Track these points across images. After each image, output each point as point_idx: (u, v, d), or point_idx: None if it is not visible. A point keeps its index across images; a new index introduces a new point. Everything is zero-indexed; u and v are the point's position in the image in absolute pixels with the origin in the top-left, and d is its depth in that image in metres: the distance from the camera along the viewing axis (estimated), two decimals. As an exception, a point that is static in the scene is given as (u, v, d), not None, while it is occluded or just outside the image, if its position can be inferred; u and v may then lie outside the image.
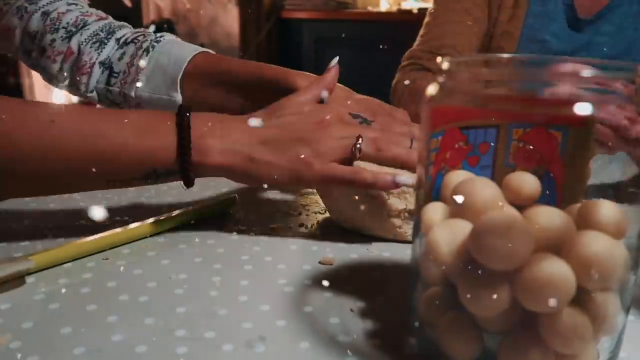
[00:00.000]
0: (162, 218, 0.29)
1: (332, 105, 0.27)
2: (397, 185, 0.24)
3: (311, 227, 0.31)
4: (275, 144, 0.25)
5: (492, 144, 0.19)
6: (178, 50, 0.32)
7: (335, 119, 0.26)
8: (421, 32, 0.57)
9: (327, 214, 0.32)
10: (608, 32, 0.50)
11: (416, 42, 0.58)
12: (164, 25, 1.74)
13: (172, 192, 0.36)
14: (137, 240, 0.28)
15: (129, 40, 0.34)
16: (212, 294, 0.23)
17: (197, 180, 0.27)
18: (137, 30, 0.35)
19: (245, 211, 0.33)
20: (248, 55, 1.72)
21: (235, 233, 0.30)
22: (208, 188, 0.36)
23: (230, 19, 1.79)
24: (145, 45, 0.32)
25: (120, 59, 0.33)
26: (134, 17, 1.78)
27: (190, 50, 0.32)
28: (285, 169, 0.25)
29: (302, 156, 0.24)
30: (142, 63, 0.32)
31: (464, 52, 0.53)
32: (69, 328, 0.20)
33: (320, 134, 0.25)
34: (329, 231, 0.30)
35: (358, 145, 0.24)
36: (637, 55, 0.50)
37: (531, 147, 0.19)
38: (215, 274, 0.25)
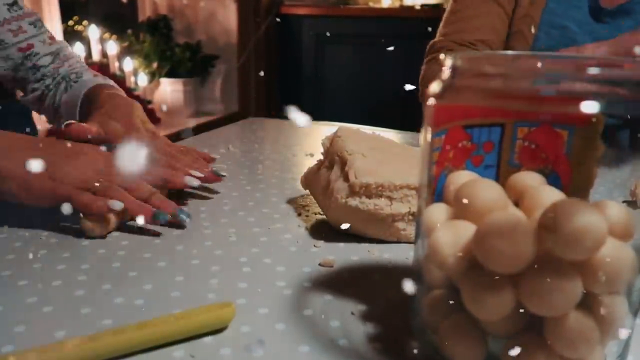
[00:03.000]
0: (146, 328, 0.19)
1: (97, 150, 0.32)
2: (109, 209, 0.28)
3: (311, 228, 0.30)
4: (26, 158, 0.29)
5: (496, 143, 0.18)
6: (80, 88, 0.43)
7: (88, 158, 0.31)
8: (446, 19, 0.55)
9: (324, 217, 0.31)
10: (628, 28, 0.48)
11: (442, 32, 0.55)
12: (160, 22, 1.73)
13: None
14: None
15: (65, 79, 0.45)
16: (209, 296, 0.23)
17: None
18: (76, 70, 0.45)
19: (244, 212, 0.33)
20: (247, 52, 1.71)
21: (233, 234, 0.29)
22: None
23: (229, 15, 1.78)
24: (70, 82, 0.44)
25: (53, 91, 0.45)
26: (129, 13, 1.77)
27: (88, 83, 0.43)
28: (21, 179, 0.29)
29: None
30: (63, 97, 0.43)
31: (495, 46, 0.51)
32: (62, 332, 0.20)
33: (65, 163, 0.30)
34: (329, 232, 0.29)
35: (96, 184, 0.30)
36: None
37: (536, 146, 0.18)
38: (213, 277, 0.24)
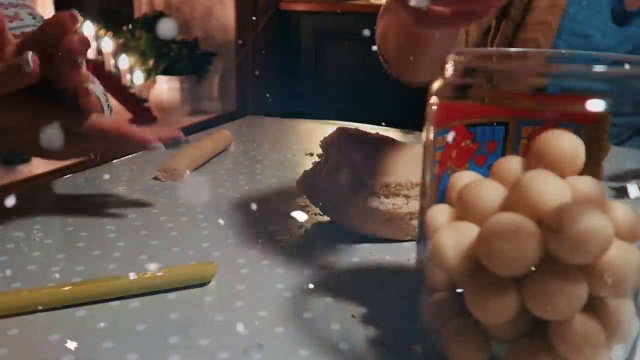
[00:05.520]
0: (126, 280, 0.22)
1: None
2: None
3: (311, 229, 0.30)
4: None
5: (500, 142, 0.18)
6: None
7: None
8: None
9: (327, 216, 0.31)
10: None
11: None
12: (156, 19, 1.71)
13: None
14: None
15: None
16: (207, 299, 0.22)
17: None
18: None
19: (242, 213, 0.32)
20: (244, 50, 1.70)
21: (231, 236, 0.29)
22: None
23: (226, 11, 1.76)
24: None
25: None
26: (125, 9, 1.75)
27: None
28: None
29: None
30: None
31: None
32: (57, 335, 0.20)
33: None
34: (329, 233, 0.29)
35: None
36: None
37: None
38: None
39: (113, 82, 1.58)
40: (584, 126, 0.18)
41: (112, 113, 0.30)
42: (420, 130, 0.18)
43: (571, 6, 0.48)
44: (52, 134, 0.24)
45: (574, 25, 0.48)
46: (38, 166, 1.30)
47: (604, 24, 0.48)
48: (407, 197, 0.26)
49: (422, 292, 0.19)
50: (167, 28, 0.30)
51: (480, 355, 0.17)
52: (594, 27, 0.48)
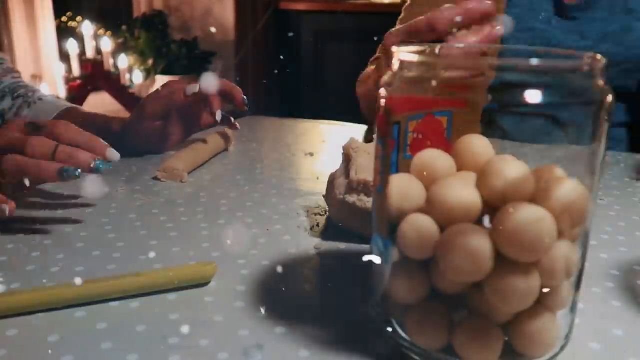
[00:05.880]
0: (126, 279, 0.22)
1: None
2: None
3: (311, 229, 0.30)
4: None
5: (396, 140, 0.18)
6: (51, 106, 0.46)
7: None
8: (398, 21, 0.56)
9: (327, 215, 0.31)
10: (599, 18, 0.47)
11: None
12: (155, 18, 1.70)
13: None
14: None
15: (20, 95, 0.47)
16: (207, 299, 0.22)
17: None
18: (27, 85, 0.49)
19: (242, 213, 0.32)
20: (244, 49, 1.70)
21: (231, 235, 0.29)
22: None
23: (226, 11, 1.76)
24: (30, 100, 0.46)
25: (10, 109, 0.46)
26: (124, 8, 1.75)
27: (59, 106, 0.46)
28: None
29: None
30: (25, 113, 0.45)
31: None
32: (56, 336, 0.20)
33: None
34: (329, 233, 0.29)
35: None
36: (632, 41, 0.46)
37: (423, 135, 0.18)
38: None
39: (112, 82, 1.58)
40: (455, 112, 0.18)
41: None
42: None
43: (513, 7, 0.49)
44: None
45: (518, 23, 0.49)
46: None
47: (547, 17, 0.49)
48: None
49: (382, 278, 0.19)
50: (209, 82, 0.35)
51: (440, 339, 0.17)
52: (539, 20, 0.49)
